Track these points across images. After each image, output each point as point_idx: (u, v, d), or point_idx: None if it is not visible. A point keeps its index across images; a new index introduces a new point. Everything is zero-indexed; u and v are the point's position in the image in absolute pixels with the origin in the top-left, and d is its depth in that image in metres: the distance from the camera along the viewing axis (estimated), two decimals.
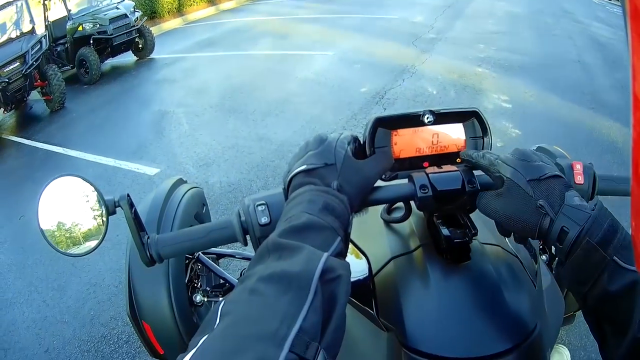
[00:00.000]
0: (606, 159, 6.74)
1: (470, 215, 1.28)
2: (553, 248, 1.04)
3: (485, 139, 1.32)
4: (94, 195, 1.21)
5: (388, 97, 9.27)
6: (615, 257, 0.91)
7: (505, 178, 1.10)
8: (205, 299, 2.20)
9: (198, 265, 2.32)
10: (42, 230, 1.20)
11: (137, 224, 1.18)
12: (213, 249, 2.49)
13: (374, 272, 1.36)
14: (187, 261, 2.09)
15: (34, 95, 10.66)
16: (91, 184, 1.21)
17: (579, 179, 1.28)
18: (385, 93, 9.57)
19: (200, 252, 2.28)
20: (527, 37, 14.75)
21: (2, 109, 9.74)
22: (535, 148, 1.59)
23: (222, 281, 2.39)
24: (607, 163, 6.62)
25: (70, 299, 4.80)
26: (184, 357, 0.66)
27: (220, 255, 2.53)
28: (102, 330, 4.35)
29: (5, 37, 9.80)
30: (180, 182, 2.11)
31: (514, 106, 8.92)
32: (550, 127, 8.04)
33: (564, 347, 1.79)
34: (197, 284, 2.31)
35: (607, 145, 7.35)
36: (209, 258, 2.34)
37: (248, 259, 2.51)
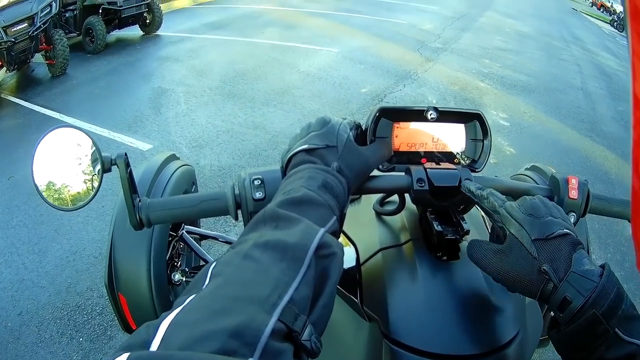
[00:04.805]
0: (597, 187, 6.68)
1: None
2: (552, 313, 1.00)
3: (485, 142, 1.34)
4: (90, 152, 1.21)
5: (387, 101, 9.27)
6: (617, 329, 0.88)
7: (508, 233, 1.03)
8: (184, 279, 2.21)
9: (180, 244, 2.33)
10: (35, 185, 1.19)
11: (131, 185, 1.17)
12: (197, 229, 2.49)
13: (361, 261, 1.37)
14: (169, 238, 2.10)
15: (38, 58, 10.54)
16: (90, 138, 1.21)
17: (573, 193, 1.29)
18: (385, 96, 9.59)
19: (184, 231, 2.28)
20: (533, 58, 14.86)
21: (5, 68, 9.63)
22: (529, 167, 1.60)
23: (202, 263, 2.39)
24: (598, 192, 6.59)
25: (49, 264, 4.80)
26: (168, 314, 0.65)
27: (204, 237, 2.53)
28: (77, 299, 4.35)
29: None
30: (173, 157, 2.11)
31: (512, 125, 8.96)
32: (546, 149, 8.08)
33: None
34: (177, 263, 2.32)
35: (601, 175, 7.41)
36: (192, 238, 2.34)
37: (231, 242, 2.51)
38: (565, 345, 0.97)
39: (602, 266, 0.96)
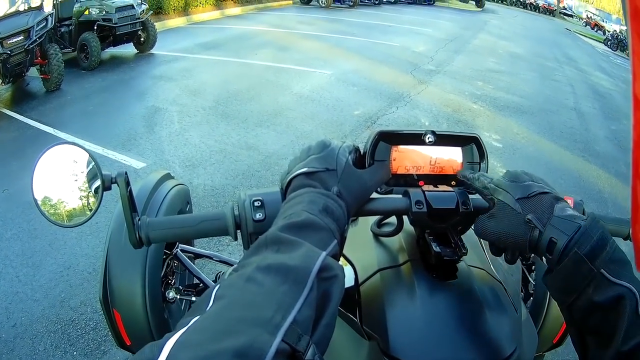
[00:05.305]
0: (590, 207, 6.66)
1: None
2: (544, 259, 1.07)
3: (482, 164, 1.36)
4: (86, 169, 1.22)
5: (380, 123, 9.30)
6: (602, 270, 0.94)
7: (496, 200, 1.14)
8: (178, 297, 2.22)
9: (174, 262, 2.34)
10: (35, 199, 1.20)
11: (131, 204, 1.19)
12: (191, 247, 2.49)
13: (360, 281, 1.38)
14: (164, 256, 2.10)
15: (33, 72, 10.56)
16: (91, 156, 1.22)
17: None
18: (377, 119, 9.62)
19: (178, 249, 2.28)
20: (527, 79, 14.91)
21: (0, 81, 9.67)
22: None
23: (196, 281, 2.40)
24: (592, 211, 6.63)
25: (43, 278, 4.79)
26: (172, 335, 0.65)
27: (198, 255, 2.53)
28: (71, 313, 4.34)
29: (13, 9, 9.67)
30: (168, 176, 2.13)
31: (505, 146, 9.00)
32: (539, 170, 7.92)
33: None
34: (171, 281, 2.33)
35: (594, 195, 7.45)
36: (186, 256, 2.35)
37: (225, 262, 2.52)
38: (556, 288, 1.04)
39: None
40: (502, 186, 1.14)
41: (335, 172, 1.15)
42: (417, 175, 1.34)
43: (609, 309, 0.93)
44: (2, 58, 9.10)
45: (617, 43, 28.87)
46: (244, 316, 0.70)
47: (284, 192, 1.19)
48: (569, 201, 1.32)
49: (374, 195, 1.26)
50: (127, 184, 1.18)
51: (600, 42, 31.98)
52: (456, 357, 1.10)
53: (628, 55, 0.76)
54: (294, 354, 0.70)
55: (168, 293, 2.20)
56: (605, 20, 38.39)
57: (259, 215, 1.19)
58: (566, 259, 0.98)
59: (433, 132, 1.31)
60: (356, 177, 1.18)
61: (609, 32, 32.62)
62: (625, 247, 1.03)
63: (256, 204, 1.21)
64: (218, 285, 0.80)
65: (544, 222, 1.05)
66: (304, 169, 1.15)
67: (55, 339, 4.09)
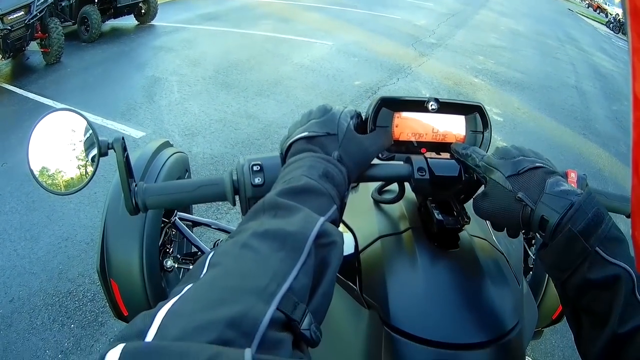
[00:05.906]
0: (591, 184, 6.70)
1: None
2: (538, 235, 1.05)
3: (485, 134, 1.33)
4: (84, 137, 1.19)
5: (380, 94, 9.15)
6: (597, 248, 0.91)
7: (488, 179, 1.12)
8: (176, 266, 2.20)
9: (172, 231, 2.32)
10: (30, 169, 1.17)
11: (127, 170, 1.16)
12: (189, 215, 2.47)
13: (360, 248, 1.36)
14: (162, 225, 2.09)
15: (33, 46, 10.48)
16: (87, 122, 1.19)
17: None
18: (378, 89, 9.63)
19: (176, 217, 2.27)
20: (528, 56, 14.93)
21: (0, 56, 9.60)
22: None
23: (194, 249, 2.38)
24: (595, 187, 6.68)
25: (41, 251, 4.78)
26: (165, 304, 0.64)
27: (196, 223, 2.52)
28: (69, 285, 4.34)
29: None
30: (167, 144, 2.11)
31: (505, 120, 9.01)
32: (539, 145, 8.03)
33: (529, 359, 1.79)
34: (169, 250, 2.31)
35: (594, 173, 7.45)
36: (184, 224, 2.34)
37: (224, 230, 2.51)
38: (550, 264, 1.01)
39: None
40: (492, 164, 1.12)
41: (336, 136, 1.13)
42: (419, 142, 1.32)
43: (604, 287, 0.91)
44: (2, 34, 9.03)
45: (619, 26, 28.85)
46: (238, 285, 0.69)
47: (284, 157, 1.17)
48: (573, 174, 1.31)
49: (375, 161, 1.24)
50: (124, 149, 1.15)
51: (602, 24, 32.01)
52: (457, 329, 1.08)
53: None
54: (290, 323, 0.69)
55: (166, 262, 2.18)
56: (607, 2, 38.32)
57: (257, 180, 1.17)
58: (559, 235, 0.96)
59: (436, 100, 1.28)
60: (357, 142, 1.16)
61: (611, 14, 32.61)
62: (624, 226, 1.01)
63: (255, 168, 1.18)
64: (212, 252, 0.78)
65: (534, 199, 1.02)
66: (305, 133, 1.14)
67: (53, 312, 4.08)
